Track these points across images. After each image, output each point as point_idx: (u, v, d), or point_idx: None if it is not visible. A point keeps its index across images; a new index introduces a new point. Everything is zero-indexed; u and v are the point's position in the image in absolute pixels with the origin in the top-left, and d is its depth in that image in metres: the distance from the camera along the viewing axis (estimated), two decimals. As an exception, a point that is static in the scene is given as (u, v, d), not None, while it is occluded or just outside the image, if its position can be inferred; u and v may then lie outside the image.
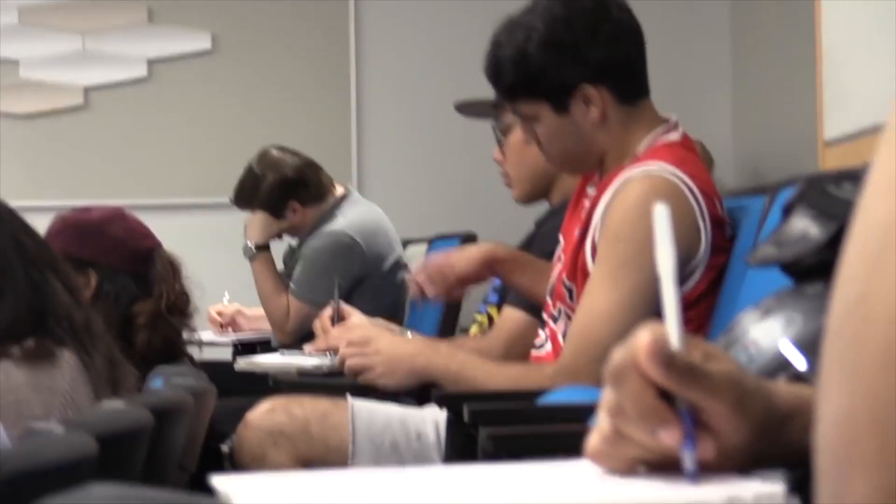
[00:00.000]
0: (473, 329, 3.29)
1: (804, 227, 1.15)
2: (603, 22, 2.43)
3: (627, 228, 2.28)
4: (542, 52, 2.40)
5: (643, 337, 0.84)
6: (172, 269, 3.00)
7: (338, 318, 2.89)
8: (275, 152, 4.32)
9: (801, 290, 1.10)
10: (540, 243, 3.00)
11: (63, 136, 5.47)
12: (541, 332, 2.57)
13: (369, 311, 3.17)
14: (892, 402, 0.55)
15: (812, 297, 1.08)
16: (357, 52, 5.50)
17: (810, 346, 1.02)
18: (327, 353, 2.86)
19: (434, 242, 4.39)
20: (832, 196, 1.15)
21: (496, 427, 1.86)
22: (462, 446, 2.15)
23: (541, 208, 3.22)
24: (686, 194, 2.32)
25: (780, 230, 1.19)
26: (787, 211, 1.19)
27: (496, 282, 3.12)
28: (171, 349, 2.97)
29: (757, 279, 2.14)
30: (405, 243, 4.44)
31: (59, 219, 2.98)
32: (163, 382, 2.40)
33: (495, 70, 2.47)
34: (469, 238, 4.19)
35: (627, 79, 2.46)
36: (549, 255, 2.65)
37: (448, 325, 3.95)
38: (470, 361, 2.42)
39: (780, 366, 1.03)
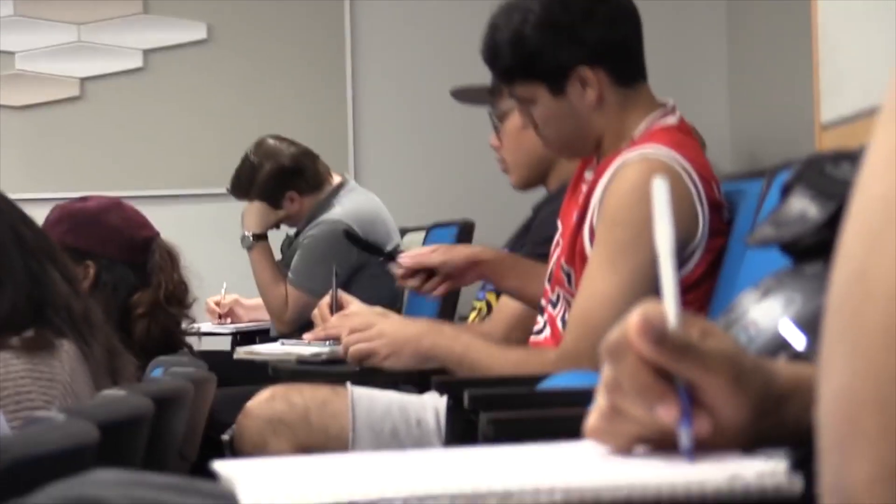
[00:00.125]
0: (472, 316, 3.29)
1: (803, 207, 1.15)
2: (599, 3, 2.43)
3: (625, 212, 2.28)
4: (539, 34, 2.40)
5: (636, 314, 0.85)
6: (171, 258, 3.00)
7: (336, 306, 2.88)
8: (271, 141, 4.31)
9: (800, 269, 1.10)
10: (538, 229, 3.00)
11: (59, 128, 5.46)
12: (539, 317, 2.57)
13: (367, 299, 3.16)
14: (892, 378, 0.55)
15: (811, 277, 1.08)
16: (353, 41, 5.49)
17: (810, 326, 1.03)
18: (326, 341, 2.86)
19: (431, 230, 4.38)
20: (830, 176, 1.15)
21: (496, 412, 1.86)
22: (462, 432, 2.15)
23: (538, 194, 3.22)
24: (683, 178, 2.32)
25: (778, 210, 1.19)
26: (786, 191, 1.19)
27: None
28: (170, 339, 2.97)
29: (756, 261, 2.14)
30: (403, 232, 4.43)
31: (57, 209, 2.98)
32: (162, 372, 2.40)
33: (492, 52, 2.47)
34: (466, 226, 4.19)
35: (624, 61, 2.45)
36: (547, 241, 2.65)
37: (446, 312, 3.95)
38: (474, 344, 2.42)
39: (780, 346, 1.03)
